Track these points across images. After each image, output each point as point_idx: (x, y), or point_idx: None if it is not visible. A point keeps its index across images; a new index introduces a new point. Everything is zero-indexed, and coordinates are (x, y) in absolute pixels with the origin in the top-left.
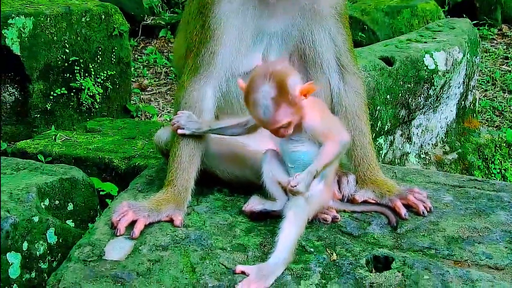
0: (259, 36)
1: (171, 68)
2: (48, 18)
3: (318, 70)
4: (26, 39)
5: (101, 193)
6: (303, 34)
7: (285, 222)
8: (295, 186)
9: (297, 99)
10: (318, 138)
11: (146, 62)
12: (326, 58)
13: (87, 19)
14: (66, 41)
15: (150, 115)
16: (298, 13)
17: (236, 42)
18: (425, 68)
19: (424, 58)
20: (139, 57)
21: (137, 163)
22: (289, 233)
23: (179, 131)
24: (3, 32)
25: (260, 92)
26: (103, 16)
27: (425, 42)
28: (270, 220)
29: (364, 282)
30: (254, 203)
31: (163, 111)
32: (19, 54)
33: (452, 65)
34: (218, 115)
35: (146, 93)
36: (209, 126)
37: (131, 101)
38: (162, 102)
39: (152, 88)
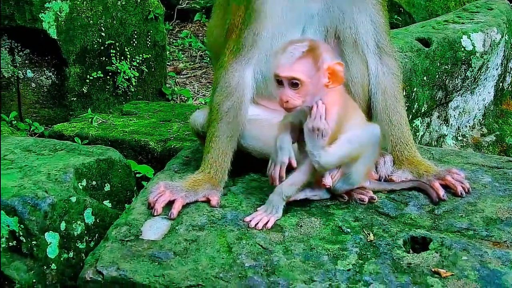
0: (299, 16)
1: (206, 51)
2: (84, 2)
3: (355, 51)
4: (62, 23)
5: (137, 175)
6: (344, 14)
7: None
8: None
9: (322, 70)
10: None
11: (181, 45)
12: (365, 39)
13: (123, 3)
14: (102, 24)
15: (185, 98)
16: None
17: (279, 23)
18: (462, 49)
19: (461, 39)
20: (174, 41)
21: (172, 146)
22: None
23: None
24: (40, 16)
25: (295, 45)
26: (138, 0)
27: (463, 23)
28: (307, 201)
29: (401, 262)
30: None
31: (198, 94)
32: (55, 38)
33: (490, 46)
34: (254, 97)
35: (181, 76)
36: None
37: (167, 85)
38: (197, 86)
39: (187, 71)
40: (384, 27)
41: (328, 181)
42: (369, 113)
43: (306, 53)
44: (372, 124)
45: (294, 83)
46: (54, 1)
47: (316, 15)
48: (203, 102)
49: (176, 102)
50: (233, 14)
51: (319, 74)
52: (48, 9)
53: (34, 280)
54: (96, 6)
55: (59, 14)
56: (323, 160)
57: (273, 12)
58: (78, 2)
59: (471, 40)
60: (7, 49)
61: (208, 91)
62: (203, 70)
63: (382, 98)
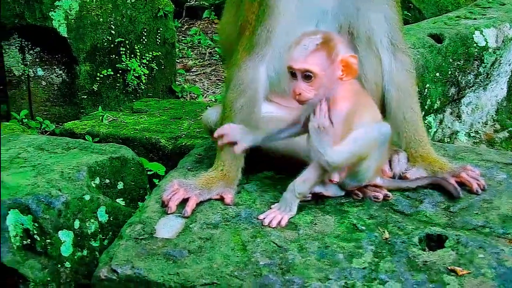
0: (312, 12)
1: (216, 49)
2: (94, 0)
3: (368, 47)
4: (72, 21)
5: (148, 173)
6: (358, 11)
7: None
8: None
9: (336, 63)
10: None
11: (190, 43)
12: (379, 36)
13: (133, 1)
14: (112, 22)
15: (195, 95)
16: None
17: (292, 20)
18: (475, 45)
19: (474, 35)
20: (183, 38)
21: (183, 143)
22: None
23: (237, 148)
24: (50, 15)
25: (309, 37)
26: None
27: (475, 19)
28: (321, 198)
29: (417, 260)
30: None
31: (208, 91)
32: (66, 36)
33: (502, 41)
34: (267, 95)
35: (191, 74)
36: (265, 133)
37: (176, 82)
38: (206, 83)
39: (197, 68)
40: (397, 24)
41: (335, 176)
42: (383, 110)
43: (320, 46)
44: (381, 122)
45: (308, 76)
46: None
47: (329, 11)
48: (213, 99)
49: (186, 99)
50: (246, 11)
51: (333, 67)
52: (58, 7)
53: (48, 279)
54: (106, 4)
55: (69, 12)
56: (330, 159)
57: (287, 8)
58: (88, 0)
59: (484, 36)
60: (18, 47)
61: (217, 88)
62: (213, 67)
63: (395, 95)
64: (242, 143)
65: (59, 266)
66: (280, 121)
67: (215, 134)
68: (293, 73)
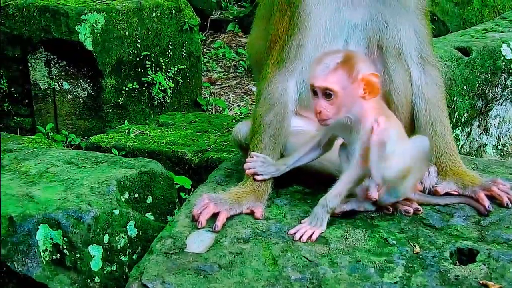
0: (342, 26)
1: (240, 61)
2: (120, 14)
3: (398, 61)
4: (98, 34)
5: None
6: (387, 24)
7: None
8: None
9: (357, 81)
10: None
11: (215, 56)
12: (408, 49)
13: (158, 14)
14: (137, 36)
15: (221, 108)
16: (383, 3)
17: (322, 34)
18: (502, 58)
19: (501, 48)
20: (207, 51)
21: (210, 157)
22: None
23: (258, 178)
24: (76, 28)
25: (331, 56)
26: (173, 11)
27: (502, 32)
28: (351, 212)
29: (448, 275)
30: (341, 204)
31: (233, 104)
32: (91, 49)
33: None
34: (297, 109)
35: (216, 87)
36: (285, 164)
37: (202, 95)
38: (232, 96)
39: (222, 82)
40: (427, 37)
41: (374, 194)
42: (413, 124)
43: (340, 64)
44: (421, 136)
45: (328, 94)
46: (90, 13)
47: (359, 25)
48: (239, 112)
49: (211, 112)
50: (276, 25)
51: (354, 85)
52: (84, 21)
53: None
54: (132, 18)
55: (95, 26)
56: (387, 174)
57: (317, 22)
58: (114, 14)
59: (511, 49)
60: (44, 61)
61: (243, 101)
62: (237, 80)
63: (425, 109)
64: (264, 176)
65: (89, 281)
66: (308, 138)
67: (245, 167)
68: (314, 91)
